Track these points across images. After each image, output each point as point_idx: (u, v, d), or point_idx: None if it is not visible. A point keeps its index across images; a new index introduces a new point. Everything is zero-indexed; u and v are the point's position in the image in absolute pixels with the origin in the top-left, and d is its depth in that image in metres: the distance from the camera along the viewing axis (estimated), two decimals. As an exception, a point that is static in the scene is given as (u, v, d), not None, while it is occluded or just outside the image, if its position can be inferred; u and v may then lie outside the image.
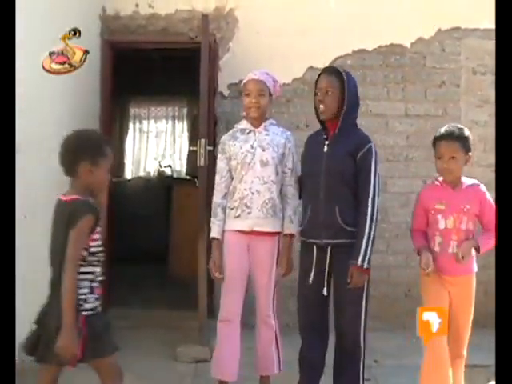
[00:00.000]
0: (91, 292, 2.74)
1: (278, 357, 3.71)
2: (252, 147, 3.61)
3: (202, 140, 4.69)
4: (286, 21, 5.37)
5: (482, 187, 3.39)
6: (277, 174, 3.62)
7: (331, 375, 3.47)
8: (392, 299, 5.41)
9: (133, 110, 9.85)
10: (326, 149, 3.39)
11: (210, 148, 4.67)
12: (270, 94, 3.69)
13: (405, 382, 4.07)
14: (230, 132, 3.78)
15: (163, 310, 5.46)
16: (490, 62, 5.44)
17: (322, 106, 3.37)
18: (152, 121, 9.98)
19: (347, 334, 3.36)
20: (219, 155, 3.73)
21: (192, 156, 6.34)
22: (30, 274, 3.68)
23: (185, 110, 9.77)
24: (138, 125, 9.94)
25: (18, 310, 2.70)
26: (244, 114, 3.77)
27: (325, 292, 3.36)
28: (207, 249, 3.90)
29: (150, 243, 7.09)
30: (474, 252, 3.31)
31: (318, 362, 3.47)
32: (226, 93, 5.33)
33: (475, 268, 3.40)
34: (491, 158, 5.18)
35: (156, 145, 9.96)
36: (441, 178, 3.41)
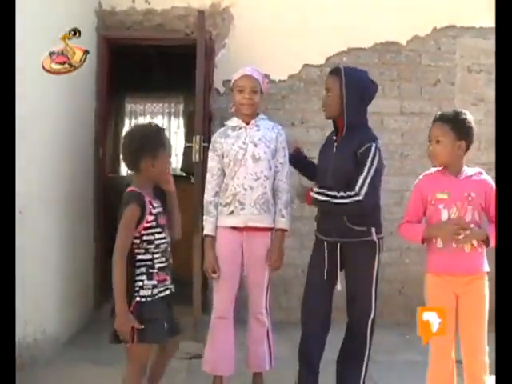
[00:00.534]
0: (149, 279, 2.88)
1: (270, 354, 3.72)
2: (244, 143, 3.61)
3: (198, 136, 4.70)
4: (282, 18, 5.38)
5: (486, 175, 3.14)
6: (269, 169, 3.63)
7: (328, 372, 3.49)
8: (386, 296, 5.42)
9: (129, 106, 9.86)
10: (334, 149, 3.42)
11: (206, 144, 4.68)
12: (261, 91, 3.68)
13: (398, 378, 4.11)
14: (221, 130, 3.77)
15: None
16: (485, 60, 5.47)
17: (323, 107, 3.44)
18: (148, 117, 9.97)
19: (356, 329, 3.43)
20: (210, 153, 3.72)
21: (187, 152, 6.33)
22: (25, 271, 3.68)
23: (181, 107, 9.78)
24: (134, 121, 9.93)
25: (18, 310, 2.72)
26: (233, 110, 3.76)
27: (339, 287, 3.40)
28: (202, 245, 3.90)
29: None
30: (482, 248, 3.06)
31: (318, 355, 3.49)
32: (222, 89, 5.33)
33: (487, 267, 3.10)
34: (486, 157, 5.21)
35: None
36: (440, 168, 3.18)
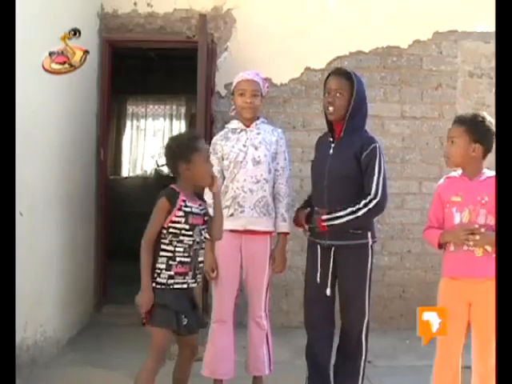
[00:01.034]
0: (167, 269, 3.07)
1: (269, 358, 3.71)
2: (244, 146, 3.62)
3: (199, 139, 4.70)
4: (284, 21, 5.38)
5: None
6: (269, 172, 3.63)
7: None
8: (386, 300, 5.44)
9: (130, 108, 9.85)
10: (331, 151, 3.41)
11: (207, 147, 4.68)
12: (262, 95, 3.69)
13: (398, 383, 4.10)
14: (222, 132, 3.78)
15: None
16: (487, 64, 5.47)
17: (331, 108, 3.37)
18: (150, 119, 9.97)
19: (351, 332, 3.41)
20: (210, 156, 3.72)
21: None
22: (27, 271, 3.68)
23: (183, 109, 9.77)
24: (135, 123, 9.94)
25: (18, 311, 2.72)
26: (233, 113, 3.77)
27: (328, 292, 3.38)
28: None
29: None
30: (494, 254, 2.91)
31: (326, 357, 3.49)
32: (224, 92, 5.33)
33: None
34: (487, 160, 5.21)
35: (153, 143, 9.96)
36: (460, 171, 3.13)
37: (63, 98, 4.49)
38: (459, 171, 3.15)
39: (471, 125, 3.04)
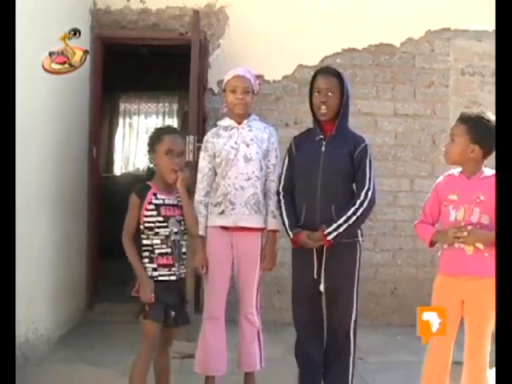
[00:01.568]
0: (150, 262, 3.15)
1: (260, 354, 3.71)
2: (236, 143, 3.62)
3: (191, 136, 4.70)
4: (277, 19, 5.39)
5: None
6: (261, 169, 3.63)
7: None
8: (378, 297, 5.45)
9: (123, 106, 9.84)
10: (323, 148, 3.41)
11: (199, 144, 4.68)
12: (253, 92, 3.69)
13: (390, 379, 4.12)
14: (214, 130, 3.78)
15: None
16: (479, 63, 5.51)
17: (324, 107, 3.37)
18: (142, 116, 9.96)
19: (338, 330, 3.41)
20: (202, 153, 3.73)
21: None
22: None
23: (175, 106, 9.76)
24: (127, 120, 9.92)
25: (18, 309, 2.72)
26: (224, 110, 3.77)
27: (322, 288, 3.38)
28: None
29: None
30: (490, 252, 2.93)
31: (317, 355, 3.49)
32: (216, 89, 5.33)
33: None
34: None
35: (146, 141, 9.93)
36: (460, 169, 3.12)
37: (55, 96, 4.47)
38: (459, 169, 3.14)
39: (473, 125, 3.00)
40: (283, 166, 3.58)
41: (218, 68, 5.28)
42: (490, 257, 2.94)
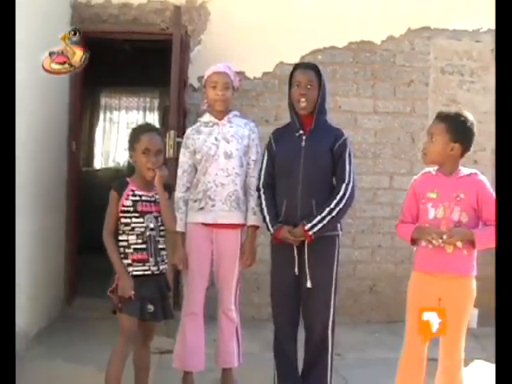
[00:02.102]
0: (125, 257, 3.19)
1: (238, 350, 3.73)
2: (216, 139, 3.62)
3: (172, 131, 4.69)
4: (258, 15, 5.37)
5: (481, 176, 3.06)
6: (241, 165, 3.64)
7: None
8: (357, 294, 5.48)
9: (104, 100, 9.79)
10: (303, 143, 3.42)
11: (180, 140, 4.67)
12: (233, 88, 3.69)
13: (367, 375, 4.15)
14: (194, 126, 3.77)
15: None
16: (458, 62, 5.56)
17: (303, 100, 3.38)
18: (123, 111, 9.92)
19: (316, 325, 3.42)
20: (182, 150, 3.73)
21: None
22: None
23: (156, 102, 9.73)
24: (108, 115, 9.88)
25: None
26: (205, 107, 3.77)
27: (309, 284, 3.37)
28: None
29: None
30: (469, 250, 2.99)
31: (294, 351, 3.52)
32: (197, 85, 5.31)
33: (472, 270, 3.04)
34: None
35: (126, 135, 9.90)
36: (437, 167, 3.15)
37: (34, 89, 4.43)
38: (435, 167, 3.16)
39: (453, 124, 3.03)
40: (263, 161, 3.59)
41: (198, 64, 5.26)
42: (468, 255, 3.00)
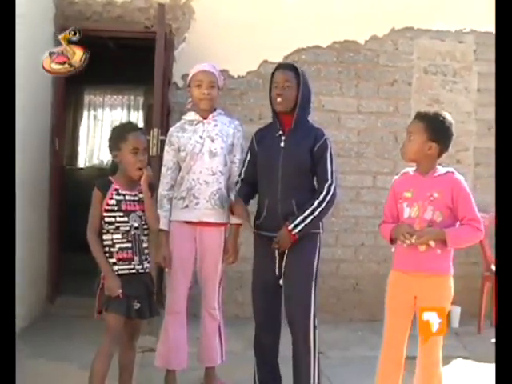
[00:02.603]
0: (110, 257, 3.20)
1: (221, 348, 3.74)
2: (201, 138, 3.62)
3: (155, 129, 4.68)
4: (243, 14, 5.38)
5: (457, 175, 3.07)
6: (225, 164, 3.64)
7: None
8: (340, 292, 5.51)
9: (88, 98, 9.73)
10: (282, 144, 3.43)
11: (163, 138, 4.66)
12: (218, 87, 3.70)
13: (350, 373, 4.17)
14: (178, 124, 3.77)
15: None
16: (441, 62, 5.60)
17: (279, 99, 3.41)
18: (107, 109, 9.87)
19: (298, 323, 3.41)
20: (166, 147, 3.73)
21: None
22: None
23: (140, 100, 9.70)
24: (92, 113, 9.83)
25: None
26: (189, 106, 3.77)
27: (281, 282, 3.41)
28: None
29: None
30: (443, 249, 3.01)
31: (274, 348, 3.54)
32: (181, 83, 5.31)
33: (446, 268, 3.07)
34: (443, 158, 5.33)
35: (109, 137, 9.84)
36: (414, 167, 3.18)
37: (16, 86, 4.39)
38: (414, 167, 3.19)
39: (431, 123, 3.05)
40: (245, 160, 3.61)
41: (182, 62, 5.26)
42: (441, 254, 3.03)
